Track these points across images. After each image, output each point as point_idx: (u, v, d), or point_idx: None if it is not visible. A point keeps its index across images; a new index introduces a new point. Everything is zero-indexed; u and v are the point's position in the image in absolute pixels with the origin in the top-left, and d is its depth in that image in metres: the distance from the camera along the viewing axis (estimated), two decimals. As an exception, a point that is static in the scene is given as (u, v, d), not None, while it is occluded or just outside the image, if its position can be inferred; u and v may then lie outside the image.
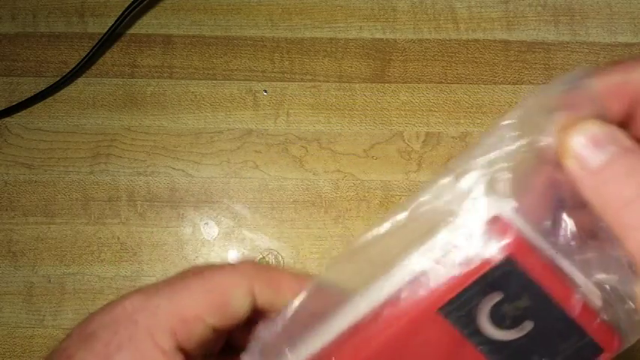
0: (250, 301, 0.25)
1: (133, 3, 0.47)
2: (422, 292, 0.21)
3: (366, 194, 0.45)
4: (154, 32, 0.49)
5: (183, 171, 0.46)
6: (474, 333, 0.21)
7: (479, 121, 0.46)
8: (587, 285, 0.21)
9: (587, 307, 0.21)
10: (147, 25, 0.49)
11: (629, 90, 0.21)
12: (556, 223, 0.21)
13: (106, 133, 0.47)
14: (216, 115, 0.47)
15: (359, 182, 0.46)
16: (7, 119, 0.47)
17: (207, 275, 0.25)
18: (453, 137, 0.46)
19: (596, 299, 0.21)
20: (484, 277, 0.21)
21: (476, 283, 0.21)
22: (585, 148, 0.19)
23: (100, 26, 0.48)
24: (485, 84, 0.47)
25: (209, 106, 0.47)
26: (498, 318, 0.21)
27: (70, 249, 0.45)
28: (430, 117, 0.47)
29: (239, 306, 0.25)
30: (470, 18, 0.48)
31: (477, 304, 0.21)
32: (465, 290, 0.21)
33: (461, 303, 0.21)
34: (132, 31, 0.49)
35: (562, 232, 0.21)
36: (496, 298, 0.21)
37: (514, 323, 0.21)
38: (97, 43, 0.47)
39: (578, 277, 0.21)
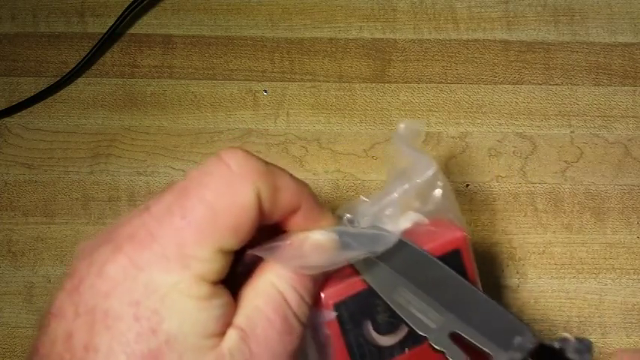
0: (259, 212, 0.25)
1: (133, 3, 0.47)
2: None
3: (366, 194, 0.45)
4: (154, 32, 0.49)
5: (183, 171, 0.46)
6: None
7: (479, 121, 0.46)
8: None
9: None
10: (147, 25, 0.49)
11: None
12: None
13: (106, 133, 0.47)
14: (216, 115, 0.47)
15: (359, 182, 0.46)
16: (7, 119, 0.47)
17: (209, 202, 0.24)
18: (453, 137, 0.46)
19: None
20: None
21: None
22: None
23: (100, 26, 0.48)
24: (485, 84, 0.47)
25: (209, 106, 0.47)
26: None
27: (70, 249, 0.45)
28: (430, 117, 0.47)
29: (250, 224, 0.24)
30: (470, 18, 0.48)
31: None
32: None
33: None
34: (132, 31, 0.49)
35: None
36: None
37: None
38: (97, 43, 0.47)
39: None
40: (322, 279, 0.28)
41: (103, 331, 0.22)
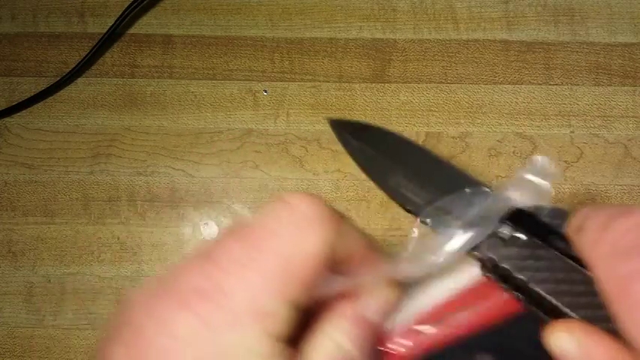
0: (326, 262, 0.23)
1: (133, 3, 0.47)
2: None
3: (366, 194, 0.45)
4: (154, 32, 0.49)
5: (183, 171, 0.46)
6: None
7: (479, 121, 0.46)
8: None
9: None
10: (147, 25, 0.49)
11: None
12: None
13: (106, 133, 0.47)
14: (216, 115, 0.47)
15: (359, 182, 0.45)
16: (7, 119, 0.47)
17: (279, 251, 0.23)
18: (453, 137, 0.46)
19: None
20: None
21: None
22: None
23: (100, 26, 0.48)
24: (485, 84, 0.47)
25: (209, 106, 0.47)
26: None
27: (70, 249, 0.45)
28: (430, 117, 0.47)
29: (319, 274, 0.23)
30: (470, 18, 0.48)
31: None
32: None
33: None
34: (132, 31, 0.49)
35: None
36: None
37: None
38: (97, 43, 0.47)
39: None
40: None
41: None
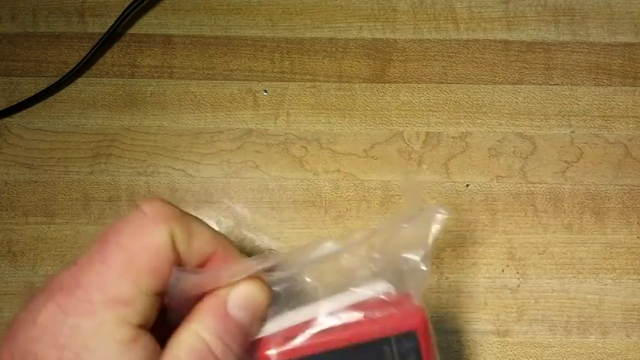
0: (174, 254, 0.26)
1: (133, 3, 0.47)
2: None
3: (366, 194, 0.45)
4: (154, 32, 0.49)
5: (183, 171, 0.46)
6: None
7: (479, 121, 0.46)
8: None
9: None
10: (147, 25, 0.49)
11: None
12: None
13: (106, 133, 0.47)
14: (216, 115, 0.47)
15: (359, 182, 0.45)
16: (7, 119, 0.47)
17: (125, 245, 0.25)
18: (453, 137, 0.46)
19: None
20: None
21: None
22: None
23: (100, 26, 0.48)
24: (485, 84, 0.47)
25: (209, 106, 0.47)
26: None
27: (70, 249, 0.45)
28: (430, 117, 0.47)
29: (167, 265, 0.26)
30: (470, 18, 0.48)
31: None
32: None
33: None
34: (132, 31, 0.49)
35: None
36: None
37: None
38: (97, 43, 0.47)
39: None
40: (256, 329, 0.28)
41: None
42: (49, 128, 0.47)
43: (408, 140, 0.46)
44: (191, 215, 0.27)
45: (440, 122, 0.46)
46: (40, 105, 0.47)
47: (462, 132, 0.46)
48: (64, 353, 0.24)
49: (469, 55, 0.48)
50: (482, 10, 0.49)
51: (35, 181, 0.46)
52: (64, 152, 0.46)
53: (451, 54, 0.48)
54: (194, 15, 0.49)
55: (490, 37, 0.48)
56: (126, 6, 0.47)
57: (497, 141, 0.46)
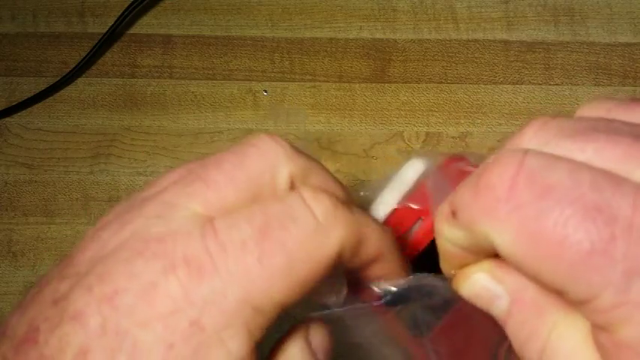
0: (334, 266, 0.21)
1: (133, 3, 0.47)
2: None
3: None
4: (154, 32, 0.49)
5: (183, 171, 0.46)
6: None
7: (479, 121, 0.46)
8: None
9: None
10: (147, 25, 0.49)
11: None
12: None
13: (106, 133, 0.47)
14: (216, 115, 0.47)
15: (359, 182, 0.45)
16: (7, 119, 0.47)
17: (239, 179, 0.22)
18: (453, 137, 0.46)
19: None
20: None
21: None
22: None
23: (100, 26, 0.48)
24: (485, 84, 0.47)
25: (209, 106, 0.47)
26: None
27: (70, 249, 0.45)
28: (430, 117, 0.47)
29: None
30: (470, 18, 0.48)
31: None
32: None
33: None
34: (132, 31, 0.49)
35: None
36: None
37: None
38: (97, 43, 0.47)
39: None
40: None
41: None
42: (49, 128, 0.47)
43: (408, 140, 0.46)
44: (363, 215, 0.22)
45: (440, 122, 0.46)
46: (40, 105, 0.47)
47: (462, 132, 0.46)
48: (171, 355, 0.19)
49: (469, 55, 0.48)
50: (482, 10, 0.49)
51: (35, 181, 0.46)
52: (63, 152, 0.46)
53: (451, 54, 0.48)
54: (194, 15, 0.49)
55: (490, 37, 0.48)
56: (126, 6, 0.47)
57: (498, 141, 0.46)
